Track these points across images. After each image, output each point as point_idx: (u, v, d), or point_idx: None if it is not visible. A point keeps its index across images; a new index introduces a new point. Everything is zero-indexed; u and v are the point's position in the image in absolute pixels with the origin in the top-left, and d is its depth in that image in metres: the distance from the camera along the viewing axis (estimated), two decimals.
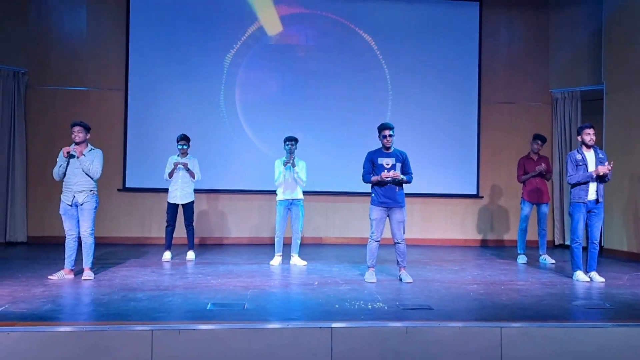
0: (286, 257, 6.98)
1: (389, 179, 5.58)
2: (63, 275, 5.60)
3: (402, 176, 5.65)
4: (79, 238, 5.67)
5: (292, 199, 6.84)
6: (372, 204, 5.77)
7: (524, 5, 9.62)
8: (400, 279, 5.72)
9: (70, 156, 5.57)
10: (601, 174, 5.75)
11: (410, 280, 5.66)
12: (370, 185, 5.82)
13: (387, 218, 5.75)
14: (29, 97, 8.62)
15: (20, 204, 8.43)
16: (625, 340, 3.92)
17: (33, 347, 3.59)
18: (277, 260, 6.85)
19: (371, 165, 5.76)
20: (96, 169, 5.63)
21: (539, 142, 7.47)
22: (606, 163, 5.80)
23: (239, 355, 3.68)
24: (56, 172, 5.62)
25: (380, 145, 5.80)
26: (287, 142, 6.80)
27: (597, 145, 6.04)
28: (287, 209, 6.88)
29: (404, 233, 5.76)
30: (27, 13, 8.65)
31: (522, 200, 7.47)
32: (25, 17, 8.62)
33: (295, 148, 6.82)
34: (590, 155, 5.93)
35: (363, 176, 5.82)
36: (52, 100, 8.72)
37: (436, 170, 9.14)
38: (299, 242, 6.94)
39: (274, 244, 6.93)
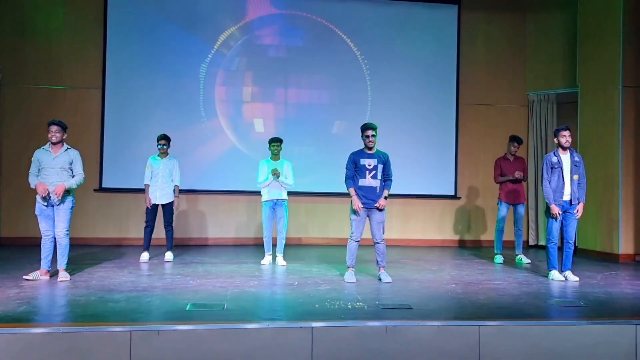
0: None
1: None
2: (39, 276, 5.50)
3: (383, 203, 5.70)
4: (55, 239, 5.59)
5: (277, 199, 6.85)
6: (352, 204, 5.79)
7: (502, 9, 9.74)
8: (380, 279, 5.76)
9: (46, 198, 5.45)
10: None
11: (390, 280, 5.70)
12: None
13: (367, 218, 5.79)
14: (2, 95, 8.44)
15: None
16: (599, 337, 4.01)
17: (8, 348, 3.53)
18: (267, 259, 6.87)
19: (354, 166, 5.77)
20: (80, 176, 5.58)
21: (516, 143, 7.58)
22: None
23: (218, 356, 3.67)
24: (30, 181, 5.54)
25: (363, 146, 5.82)
26: (273, 144, 6.81)
27: (572, 148, 6.16)
28: (272, 208, 6.89)
29: (383, 233, 5.80)
30: (1, 9, 8.48)
31: (499, 201, 7.57)
32: None
33: (280, 149, 6.84)
34: (566, 157, 6.04)
35: (346, 179, 5.82)
36: (27, 98, 8.54)
37: (414, 171, 9.21)
38: (284, 242, 6.94)
39: (253, 245, 6.92)
